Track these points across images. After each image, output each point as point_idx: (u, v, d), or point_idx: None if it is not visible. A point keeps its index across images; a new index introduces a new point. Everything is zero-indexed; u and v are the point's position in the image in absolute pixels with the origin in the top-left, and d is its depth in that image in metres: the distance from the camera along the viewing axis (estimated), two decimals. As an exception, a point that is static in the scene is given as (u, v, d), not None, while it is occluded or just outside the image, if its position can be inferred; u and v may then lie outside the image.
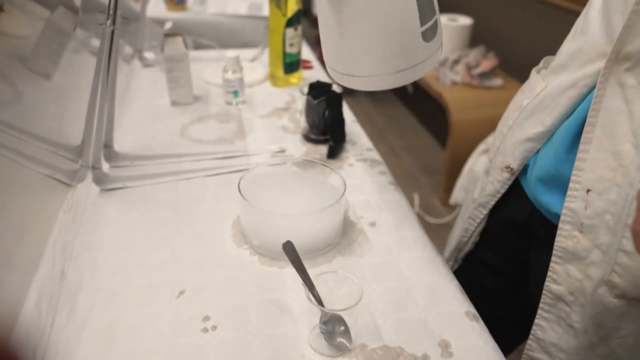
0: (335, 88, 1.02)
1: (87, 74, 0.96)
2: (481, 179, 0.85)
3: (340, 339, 0.60)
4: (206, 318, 0.64)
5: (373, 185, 0.91)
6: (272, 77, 1.32)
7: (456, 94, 2.17)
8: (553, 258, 0.67)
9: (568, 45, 0.67)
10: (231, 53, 1.16)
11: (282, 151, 1.01)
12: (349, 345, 0.60)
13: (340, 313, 0.58)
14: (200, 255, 0.74)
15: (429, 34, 0.60)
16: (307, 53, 1.53)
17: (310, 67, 1.44)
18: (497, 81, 2.18)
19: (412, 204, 0.87)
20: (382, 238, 0.78)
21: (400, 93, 3.39)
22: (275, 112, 1.17)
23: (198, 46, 1.55)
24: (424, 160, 2.67)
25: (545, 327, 0.70)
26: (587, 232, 0.62)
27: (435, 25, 0.61)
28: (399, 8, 0.57)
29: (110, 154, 0.94)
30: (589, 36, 0.62)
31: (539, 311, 0.71)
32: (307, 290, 0.58)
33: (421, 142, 2.89)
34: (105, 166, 0.92)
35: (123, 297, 0.66)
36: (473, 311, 0.66)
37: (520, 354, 0.77)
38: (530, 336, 0.73)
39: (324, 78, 1.35)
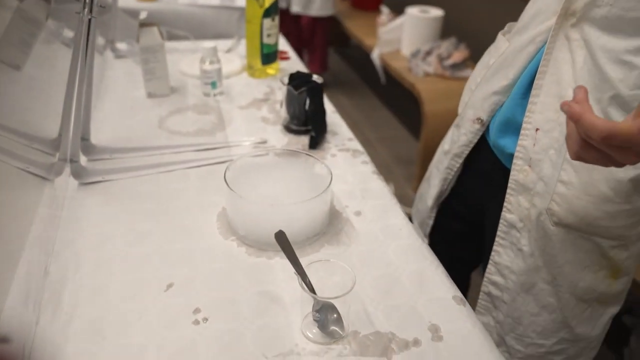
0: (315, 78, 1.02)
1: (60, 65, 0.93)
2: (451, 132, 0.95)
3: (333, 327, 0.60)
4: (197, 310, 0.63)
5: (356, 174, 0.91)
6: (249, 68, 1.31)
7: (428, 85, 2.19)
8: (508, 191, 0.76)
9: (529, 7, 0.76)
10: (208, 44, 1.14)
11: (264, 142, 1.00)
12: (341, 333, 0.60)
13: (332, 301, 0.59)
14: (186, 248, 0.73)
15: None
16: (283, 44, 1.52)
17: (287, 58, 1.43)
18: (469, 72, 2.22)
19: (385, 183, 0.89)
20: (368, 227, 0.79)
21: (373, 84, 3.41)
22: (255, 103, 1.16)
23: (171, 37, 1.52)
24: (397, 151, 2.69)
25: (501, 252, 0.80)
26: (534, 166, 0.72)
27: None
28: None
29: (87, 147, 0.92)
30: None
31: (497, 239, 0.80)
32: (300, 279, 0.58)
33: (395, 133, 2.91)
34: (83, 159, 0.89)
35: (109, 292, 0.65)
36: (460, 295, 0.68)
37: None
38: (490, 261, 0.82)
39: (303, 69, 1.35)
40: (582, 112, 0.49)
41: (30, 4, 0.90)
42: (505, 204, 0.77)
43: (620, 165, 0.53)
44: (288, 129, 1.04)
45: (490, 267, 0.83)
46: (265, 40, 1.23)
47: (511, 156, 0.75)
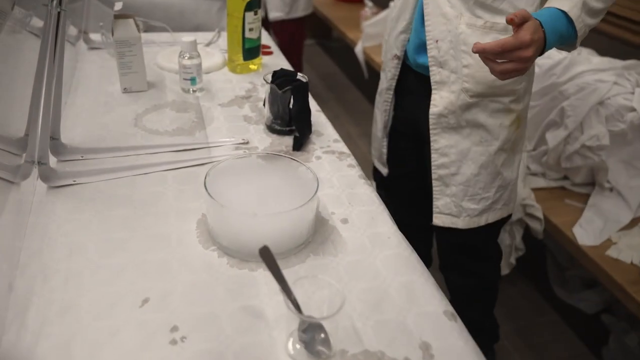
0: (300, 77, 0.98)
1: (27, 56, 0.87)
2: (381, 77, 1.20)
3: (319, 347, 0.57)
4: (174, 328, 0.59)
5: (342, 179, 0.88)
6: (230, 63, 1.26)
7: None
8: (432, 91, 1.01)
9: None
10: (187, 37, 1.09)
11: (246, 143, 0.96)
12: (328, 353, 0.57)
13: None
14: (163, 258, 0.69)
15: None
16: (265, 38, 1.47)
17: (269, 53, 1.39)
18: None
19: (373, 187, 0.88)
20: (355, 235, 0.76)
21: (355, 79, 3.37)
22: (236, 101, 1.11)
23: (148, 28, 1.46)
24: (379, 147, 2.67)
25: (437, 139, 1.05)
26: (444, 66, 0.99)
27: None
28: None
29: (57, 146, 0.86)
30: None
31: (431, 132, 1.04)
32: (285, 298, 0.55)
33: (376, 128, 2.89)
34: (52, 161, 0.84)
35: (79, 308, 0.60)
36: (451, 310, 0.65)
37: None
38: (431, 151, 1.06)
39: (286, 66, 1.31)
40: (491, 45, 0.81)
41: (-6, -8, 0.83)
42: (431, 102, 1.02)
43: (527, 63, 0.83)
44: (271, 129, 1.00)
45: (433, 156, 1.06)
46: (248, 34, 1.18)
47: (416, 50, 1.04)
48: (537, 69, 1.61)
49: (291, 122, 0.97)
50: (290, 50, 2.45)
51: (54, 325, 0.58)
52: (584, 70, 1.53)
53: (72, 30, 1.29)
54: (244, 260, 0.69)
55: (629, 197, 1.45)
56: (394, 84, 1.14)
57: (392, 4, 1.12)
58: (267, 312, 0.62)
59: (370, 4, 2.75)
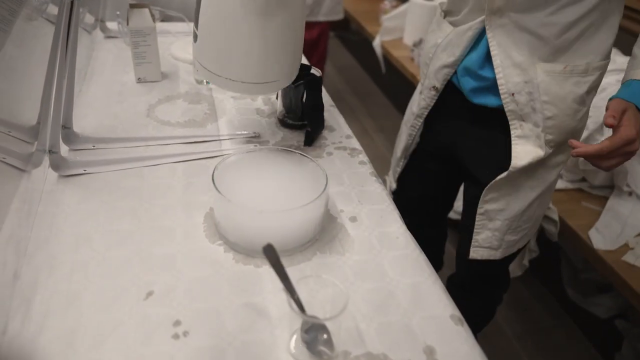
0: (314, 71, 0.97)
1: (43, 43, 0.87)
2: (417, 96, 1.12)
3: (321, 347, 0.56)
4: (177, 323, 0.59)
5: (353, 176, 0.87)
6: (245, 55, 1.24)
7: (430, 76, 2.14)
8: (513, 144, 0.94)
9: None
10: (202, 28, 1.08)
11: (257, 136, 0.95)
12: (330, 354, 0.56)
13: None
14: (169, 252, 0.68)
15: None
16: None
17: (285, 45, 1.37)
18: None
19: (384, 185, 0.87)
20: (363, 234, 0.75)
21: (373, 73, 3.34)
22: (249, 94, 1.10)
23: (165, 18, 1.45)
24: (395, 142, 2.64)
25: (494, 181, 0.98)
26: (526, 119, 0.92)
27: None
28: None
29: (69, 135, 0.87)
30: None
31: (498, 177, 0.97)
32: (289, 297, 0.54)
33: (393, 124, 2.86)
34: (63, 149, 0.84)
35: (84, 299, 0.61)
36: (458, 314, 0.64)
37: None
38: (486, 187, 0.99)
39: (303, 59, 1.29)
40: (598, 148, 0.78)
41: (11, -21, 0.83)
42: (513, 154, 0.94)
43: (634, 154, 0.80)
44: (283, 123, 0.99)
45: (485, 192, 1.00)
46: (263, 26, 1.17)
47: (489, 107, 0.95)
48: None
49: (303, 117, 0.96)
50: (310, 52, 2.40)
51: (58, 316, 0.58)
52: (607, 70, 1.49)
53: (89, 19, 1.29)
54: (249, 256, 0.69)
55: (648, 201, 1.41)
56: (426, 112, 1.07)
57: (435, 26, 1.03)
58: (271, 310, 0.62)
59: (390, -4, 2.71)
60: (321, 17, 2.44)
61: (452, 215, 1.80)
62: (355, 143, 0.96)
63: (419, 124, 1.10)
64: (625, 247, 1.35)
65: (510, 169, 0.95)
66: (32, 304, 0.59)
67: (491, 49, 0.88)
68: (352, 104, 3.01)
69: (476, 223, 1.04)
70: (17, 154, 0.72)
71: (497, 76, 0.89)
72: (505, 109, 0.92)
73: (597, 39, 0.85)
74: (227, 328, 0.59)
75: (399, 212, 0.80)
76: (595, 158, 0.80)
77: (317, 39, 2.50)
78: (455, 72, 0.98)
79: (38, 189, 0.76)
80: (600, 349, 1.60)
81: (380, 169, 0.90)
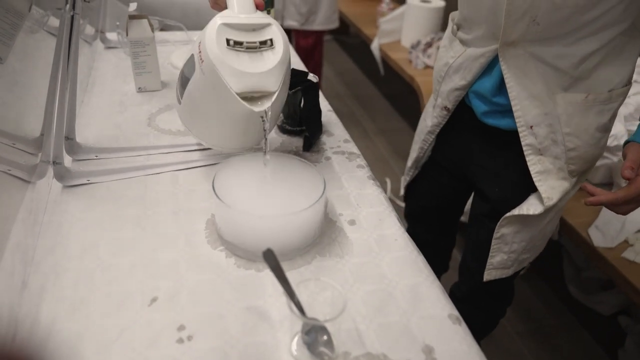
0: (311, 77, 0.98)
1: (45, 55, 0.89)
2: (431, 110, 1.09)
3: (322, 348, 0.57)
4: (181, 327, 0.60)
5: (351, 180, 0.88)
6: (243, 62, 1.26)
7: (428, 78, 2.15)
8: (535, 182, 0.91)
9: (472, 24, 0.90)
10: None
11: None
12: (330, 354, 0.58)
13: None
14: (172, 258, 0.70)
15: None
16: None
17: (283, 52, 1.39)
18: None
19: (384, 188, 0.87)
20: (362, 237, 0.76)
21: (372, 75, 3.36)
22: (248, 100, 1.12)
23: (164, 27, 1.47)
24: (395, 144, 2.66)
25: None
26: (545, 153, 0.89)
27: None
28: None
29: (72, 146, 0.88)
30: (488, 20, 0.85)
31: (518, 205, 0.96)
32: (289, 300, 0.55)
33: (393, 126, 2.88)
34: (67, 160, 0.86)
35: (90, 305, 0.62)
36: (456, 314, 0.65)
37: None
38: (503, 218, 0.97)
39: (298, 64, 1.31)
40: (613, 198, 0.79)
41: (12, -6, 0.85)
42: (542, 194, 0.91)
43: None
44: (282, 129, 1.01)
45: (502, 220, 0.98)
46: (260, 33, 1.19)
47: (500, 129, 0.93)
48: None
49: (301, 122, 0.98)
50: (306, 60, 2.41)
51: (65, 322, 0.60)
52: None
53: (89, 30, 1.31)
54: (251, 261, 0.70)
55: (647, 198, 1.42)
56: (437, 130, 1.06)
57: (447, 42, 1.00)
58: (272, 313, 0.63)
59: (387, 0, 2.73)
60: (316, 26, 2.46)
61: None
62: (353, 147, 0.98)
63: (431, 139, 1.09)
64: (625, 244, 1.36)
65: (544, 207, 0.91)
66: (39, 310, 0.61)
67: (506, 80, 0.85)
68: (352, 107, 3.03)
69: (492, 247, 1.02)
70: (21, 166, 0.74)
71: (514, 108, 0.86)
72: (522, 143, 0.88)
73: (618, 65, 0.82)
74: (230, 331, 0.60)
75: (397, 215, 0.82)
76: (610, 206, 0.81)
77: (312, 47, 2.53)
78: (467, 94, 0.96)
79: (43, 199, 0.78)
80: (603, 346, 1.60)
81: (380, 171, 0.92)
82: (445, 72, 0.98)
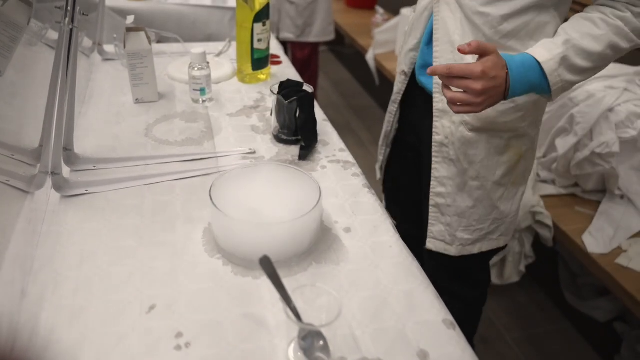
0: (306, 87, 1.00)
1: (44, 68, 0.90)
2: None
3: (318, 354, 0.58)
4: (179, 335, 0.61)
5: (346, 188, 0.89)
6: (239, 73, 1.28)
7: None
8: (434, 119, 1.00)
9: None
10: (197, 48, 1.12)
11: (253, 152, 0.98)
12: (327, 360, 0.59)
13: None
14: (170, 266, 0.71)
15: None
16: (275, 47, 1.50)
17: (279, 62, 1.41)
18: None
19: (379, 196, 0.90)
20: (357, 244, 0.77)
21: (367, 85, 3.39)
22: (244, 111, 1.14)
23: (161, 39, 1.49)
24: (391, 153, 2.67)
25: (438, 167, 1.04)
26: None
27: None
28: None
29: (70, 157, 0.89)
30: None
31: (433, 158, 1.03)
32: (285, 306, 0.56)
33: (388, 135, 2.89)
34: (65, 171, 0.87)
35: (88, 314, 0.63)
36: (450, 319, 0.66)
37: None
38: (431, 178, 1.05)
39: (294, 75, 1.33)
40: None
41: (11, 7, 0.87)
42: (433, 129, 1.01)
43: (478, 98, 0.79)
44: (278, 138, 1.02)
45: (432, 183, 1.05)
46: (256, 45, 1.21)
47: (420, 67, 1.02)
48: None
49: (297, 132, 0.99)
50: (302, 71, 2.42)
51: (64, 331, 0.60)
52: (594, 77, 1.53)
53: (87, 42, 1.33)
54: (247, 268, 0.71)
55: (640, 204, 1.44)
56: (399, 98, 1.13)
57: (406, 11, 1.12)
58: (269, 320, 0.64)
59: (381, 10, 2.76)
60: (312, 38, 2.49)
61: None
62: (348, 156, 0.99)
63: (394, 109, 1.16)
64: (619, 250, 1.38)
65: (433, 143, 1.00)
66: (38, 319, 0.61)
67: (434, 24, 0.94)
68: (348, 117, 3.05)
69: (430, 215, 1.08)
70: (20, 177, 0.75)
71: (434, 49, 0.94)
72: (433, 81, 0.97)
73: (530, 47, 0.86)
74: (227, 338, 0.61)
75: (391, 222, 0.83)
76: (443, 78, 0.81)
77: (308, 59, 2.55)
78: (417, 71, 1.03)
79: (42, 209, 0.79)
80: (599, 352, 1.61)
81: (375, 179, 0.93)
82: (403, 40, 1.10)
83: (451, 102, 0.82)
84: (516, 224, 1.17)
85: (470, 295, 1.27)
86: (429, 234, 1.10)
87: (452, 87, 0.81)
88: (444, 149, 1.01)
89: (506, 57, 0.81)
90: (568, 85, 0.84)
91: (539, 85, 0.83)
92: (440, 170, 1.03)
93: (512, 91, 0.81)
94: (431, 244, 1.10)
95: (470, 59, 0.85)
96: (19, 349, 0.57)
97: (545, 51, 0.81)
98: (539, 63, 0.81)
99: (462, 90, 0.80)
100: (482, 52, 0.78)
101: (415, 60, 1.04)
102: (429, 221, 1.09)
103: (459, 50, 0.78)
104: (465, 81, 0.78)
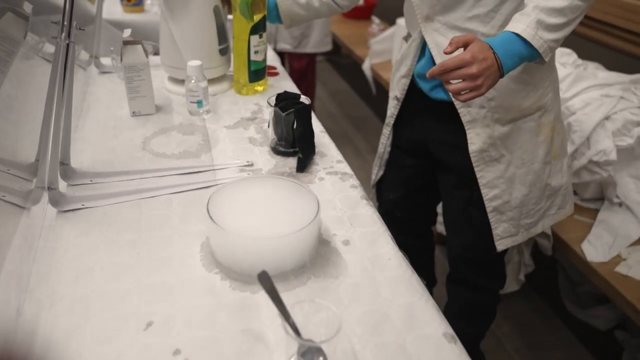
0: (303, 99, 1.00)
1: (40, 81, 0.90)
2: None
3: (318, 370, 0.58)
4: (177, 352, 0.60)
5: (345, 200, 0.89)
6: (236, 84, 1.28)
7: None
8: (466, 130, 1.05)
9: (405, 17, 1.15)
10: (194, 61, 1.12)
11: (250, 165, 0.98)
12: (327, 376, 0.58)
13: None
14: (167, 282, 0.70)
15: (223, 51, 1.26)
16: (271, 59, 1.50)
17: (275, 74, 1.41)
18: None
19: (376, 206, 0.90)
20: (356, 257, 0.76)
21: (364, 95, 3.39)
22: (242, 123, 1.13)
23: (158, 51, 1.49)
24: (388, 162, 2.67)
25: (483, 174, 1.08)
26: (471, 104, 1.03)
27: (226, 48, 1.27)
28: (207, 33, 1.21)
29: (67, 171, 0.89)
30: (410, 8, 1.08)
31: (475, 169, 1.08)
32: (284, 322, 0.56)
33: (385, 144, 2.89)
34: (62, 185, 0.86)
35: (84, 333, 0.62)
36: (451, 332, 0.65)
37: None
38: (480, 186, 1.09)
39: (291, 87, 1.33)
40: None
41: (7, 21, 0.87)
42: (468, 140, 1.06)
43: (477, 80, 0.84)
44: (275, 150, 1.02)
45: (483, 190, 1.09)
46: (253, 57, 1.21)
47: (443, 100, 1.07)
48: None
49: (295, 144, 0.99)
50: (299, 81, 2.43)
51: (60, 349, 0.60)
52: (590, 85, 1.53)
53: (84, 55, 1.33)
54: (245, 283, 0.70)
55: (638, 212, 1.44)
56: (392, 122, 1.21)
57: (401, 21, 1.17)
58: (268, 335, 0.63)
59: (377, 21, 2.78)
60: (309, 49, 2.50)
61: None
62: (346, 167, 0.99)
63: (388, 132, 1.24)
64: (618, 258, 1.37)
65: (471, 154, 1.06)
66: (34, 338, 0.61)
67: (431, 50, 1.02)
68: (345, 127, 3.05)
69: (490, 219, 1.12)
70: (16, 192, 0.74)
71: None
72: (453, 100, 1.03)
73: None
74: (225, 355, 0.60)
75: (390, 234, 0.82)
76: (441, 77, 0.86)
77: (305, 69, 2.56)
78: (414, 77, 1.11)
79: (38, 224, 0.78)
80: (600, 361, 1.60)
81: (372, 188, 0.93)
82: (395, 68, 1.17)
83: (455, 93, 0.87)
84: (571, 192, 1.22)
85: (490, 286, 1.33)
86: (495, 237, 1.14)
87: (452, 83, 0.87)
88: (485, 154, 1.06)
89: (487, 40, 0.87)
90: (553, 44, 0.89)
91: (527, 53, 0.88)
92: (486, 175, 1.08)
93: (505, 66, 0.86)
94: (501, 245, 1.14)
95: None
96: (14, 368, 0.57)
97: (519, 23, 0.87)
98: (517, 35, 0.86)
99: (461, 81, 0.85)
100: (463, 44, 0.84)
101: (406, 86, 1.13)
102: (492, 225, 1.12)
103: (445, 53, 0.85)
104: (460, 70, 0.83)
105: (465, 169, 1.09)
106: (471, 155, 1.06)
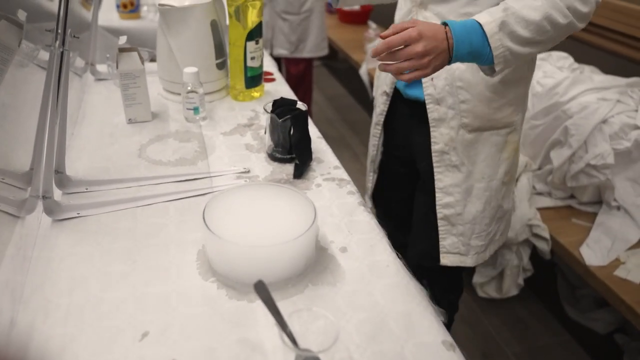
0: (300, 105, 1.00)
1: (35, 89, 0.89)
2: (374, 108, 1.23)
3: (316, 380, 0.57)
4: (172, 362, 0.60)
5: (342, 206, 0.89)
6: (233, 91, 1.28)
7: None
8: (431, 128, 1.03)
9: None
10: (190, 68, 1.11)
11: (247, 172, 0.97)
12: (325, 386, 0.57)
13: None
14: (163, 291, 0.69)
15: (220, 65, 1.25)
16: (268, 64, 1.50)
17: (272, 80, 1.41)
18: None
19: (374, 213, 0.89)
20: (354, 264, 0.76)
21: (361, 100, 3.40)
22: (238, 129, 1.13)
23: (154, 58, 1.48)
24: (386, 167, 2.67)
25: (441, 177, 1.06)
26: (441, 102, 1.01)
27: (223, 62, 1.26)
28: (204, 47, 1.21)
29: (62, 180, 0.88)
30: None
31: (435, 170, 1.06)
32: (281, 331, 0.55)
33: (383, 148, 2.89)
34: (57, 193, 0.85)
35: (80, 343, 0.61)
36: (450, 340, 0.65)
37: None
38: (436, 189, 1.07)
39: (288, 93, 1.33)
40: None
41: (1, 29, 0.86)
42: (431, 139, 1.04)
43: (423, 59, 0.80)
44: (272, 157, 1.01)
45: (438, 195, 1.07)
46: (250, 63, 1.21)
47: (419, 100, 1.05)
48: (539, 89, 1.62)
49: (291, 150, 0.98)
50: (296, 86, 2.42)
51: (55, 361, 0.59)
52: (587, 89, 1.53)
53: (80, 62, 1.32)
54: (242, 292, 0.70)
55: (636, 215, 1.44)
56: (382, 119, 1.17)
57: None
58: (265, 344, 0.63)
59: (373, 25, 2.78)
60: (306, 54, 2.49)
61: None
62: (343, 173, 0.98)
63: (379, 131, 1.20)
64: (617, 262, 1.37)
65: (432, 153, 1.03)
66: (28, 350, 0.60)
67: None
68: (342, 131, 3.05)
69: (439, 228, 1.09)
70: (10, 201, 0.73)
71: None
72: (424, 92, 1.01)
73: None
74: (222, 365, 0.60)
75: (388, 240, 0.82)
76: (386, 56, 0.82)
77: (302, 74, 2.56)
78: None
79: (32, 234, 0.77)
80: (600, 365, 1.60)
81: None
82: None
83: (397, 73, 0.83)
84: (510, 223, 1.22)
85: (450, 300, 1.29)
86: (441, 249, 1.09)
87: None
88: (445, 156, 1.04)
89: (448, 21, 0.84)
90: (510, 57, 0.84)
91: (482, 48, 0.83)
92: (444, 179, 1.05)
93: (456, 50, 0.82)
94: (446, 259, 1.10)
95: None
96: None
97: (486, 14, 0.84)
98: (480, 25, 0.83)
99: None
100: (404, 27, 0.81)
101: (395, 80, 1.09)
102: (440, 235, 1.08)
103: (381, 37, 0.81)
104: (407, 49, 0.80)
105: (430, 173, 1.08)
106: (433, 154, 1.04)
